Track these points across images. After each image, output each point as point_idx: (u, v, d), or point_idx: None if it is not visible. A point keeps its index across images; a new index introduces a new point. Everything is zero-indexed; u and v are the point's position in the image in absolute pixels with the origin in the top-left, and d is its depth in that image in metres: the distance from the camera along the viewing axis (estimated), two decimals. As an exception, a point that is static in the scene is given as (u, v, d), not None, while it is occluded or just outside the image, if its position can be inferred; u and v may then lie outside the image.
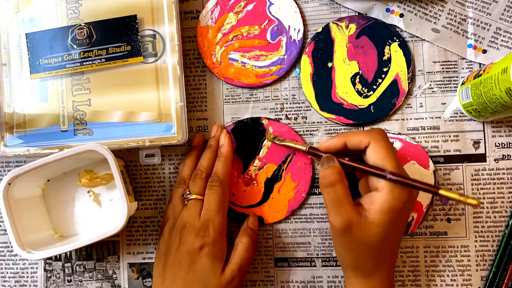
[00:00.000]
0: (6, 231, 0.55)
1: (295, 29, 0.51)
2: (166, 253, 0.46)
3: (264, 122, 0.52)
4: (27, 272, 0.55)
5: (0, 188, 0.46)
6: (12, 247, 0.55)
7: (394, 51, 0.50)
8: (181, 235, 0.46)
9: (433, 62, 0.51)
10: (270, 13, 0.52)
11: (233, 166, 0.52)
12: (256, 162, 0.52)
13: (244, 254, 0.47)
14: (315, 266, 0.52)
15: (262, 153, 0.52)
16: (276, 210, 0.52)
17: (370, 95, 0.50)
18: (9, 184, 0.47)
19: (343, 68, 0.51)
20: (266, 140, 0.52)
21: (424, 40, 0.50)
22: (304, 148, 0.46)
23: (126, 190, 0.46)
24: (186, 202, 0.48)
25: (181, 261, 0.45)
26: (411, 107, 0.51)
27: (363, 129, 0.51)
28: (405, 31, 0.51)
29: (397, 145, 0.50)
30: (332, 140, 0.44)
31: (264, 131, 0.52)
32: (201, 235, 0.45)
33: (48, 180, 0.52)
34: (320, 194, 0.51)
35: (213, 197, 0.46)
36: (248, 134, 0.52)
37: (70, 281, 0.54)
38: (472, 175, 0.50)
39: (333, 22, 0.51)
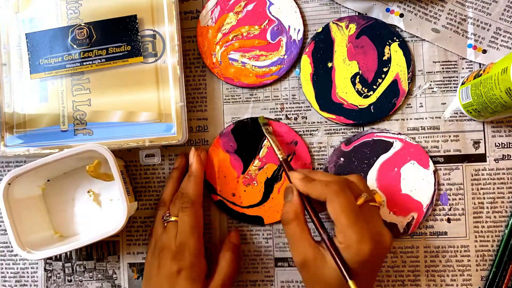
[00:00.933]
0: (6, 231, 0.55)
1: (295, 29, 0.51)
2: (149, 275, 0.46)
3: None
4: (28, 272, 0.55)
5: (0, 188, 0.46)
6: (12, 247, 0.55)
7: (394, 51, 0.50)
8: (159, 259, 0.45)
9: (433, 62, 0.51)
10: (270, 13, 0.52)
11: (233, 166, 0.52)
12: (256, 162, 0.52)
13: (227, 270, 0.47)
14: (315, 266, 0.52)
15: (262, 153, 0.52)
16: (276, 210, 0.52)
17: (370, 95, 0.50)
18: (9, 184, 0.47)
19: (343, 68, 0.51)
20: (266, 140, 0.52)
21: (424, 40, 0.50)
22: (279, 156, 0.46)
23: (126, 190, 0.46)
24: (165, 224, 0.47)
25: (162, 285, 0.45)
26: (411, 107, 0.51)
27: (363, 129, 0.51)
28: (405, 31, 0.50)
29: (397, 145, 0.50)
30: (298, 183, 0.43)
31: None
32: (178, 258, 0.44)
33: (48, 180, 0.52)
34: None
35: (185, 219, 0.46)
36: (248, 134, 0.52)
37: (71, 281, 0.54)
38: (472, 175, 0.50)
39: (333, 22, 0.51)
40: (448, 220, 0.50)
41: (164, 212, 0.48)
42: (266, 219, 0.52)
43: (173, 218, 0.46)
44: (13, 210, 0.47)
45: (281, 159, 0.46)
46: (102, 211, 0.52)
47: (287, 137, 0.51)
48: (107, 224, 0.51)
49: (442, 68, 0.51)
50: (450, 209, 0.50)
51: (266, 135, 0.48)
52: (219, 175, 0.52)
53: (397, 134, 0.50)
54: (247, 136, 0.52)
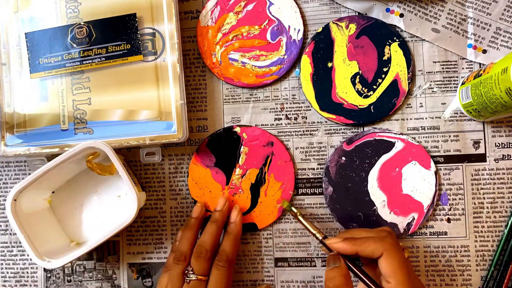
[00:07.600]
0: (6, 231, 0.55)
1: (295, 29, 0.51)
2: None
3: (237, 129, 0.52)
4: (27, 272, 0.55)
5: (8, 206, 0.47)
6: (12, 247, 0.55)
7: (394, 51, 0.50)
8: None
9: (433, 62, 0.51)
10: (270, 13, 0.52)
11: (216, 179, 0.52)
12: (238, 171, 0.52)
13: None
14: (315, 266, 0.52)
15: (241, 160, 0.52)
16: (267, 213, 0.51)
17: (370, 95, 0.50)
18: (15, 200, 0.47)
19: (343, 68, 0.51)
20: (242, 147, 0.51)
21: (424, 40, 0.50)
22: (318, 236, 0.45)
23: (131, 178, 0.46)
24: (188, 280, 0.46)
25: None
26: (411, 107, 0.51)
27: (363, 129, 0.51)
28: (405, 31, 0.51)
29: (399, 145, 0.50)
30: (343, 245, 0.42)
31: (239, 139, 0.52)
32: None
33: (53, 192, 0.52)
34: (320, 194, 0.51)
35: (220, 278, 0.45)
36: (224, 144, 0.52)
37: (70, 281, 0.54)
38: (472, 175, 0.50)
39: (333, 22, 0.51)
40: (448, 220, 0.50)
41: (185, 267, 0.47)
42: (259, 224, 0.52)
43: (198, 277, 0.45)
44: (24, 225, 0.47)
45: (320, 239, 0.45)
46: (112, 209, 0.52)
47: (262, 139, 0.51)
48: (119, 221, 0.51)
49: (442, 68, 0.51)
50: (450, 209, 0.50)
51: (298, 218, 0.47)
52: (204, 192, 0.52)
53: (399, 134, 0.50)
54: (223, 147, 0.52)
